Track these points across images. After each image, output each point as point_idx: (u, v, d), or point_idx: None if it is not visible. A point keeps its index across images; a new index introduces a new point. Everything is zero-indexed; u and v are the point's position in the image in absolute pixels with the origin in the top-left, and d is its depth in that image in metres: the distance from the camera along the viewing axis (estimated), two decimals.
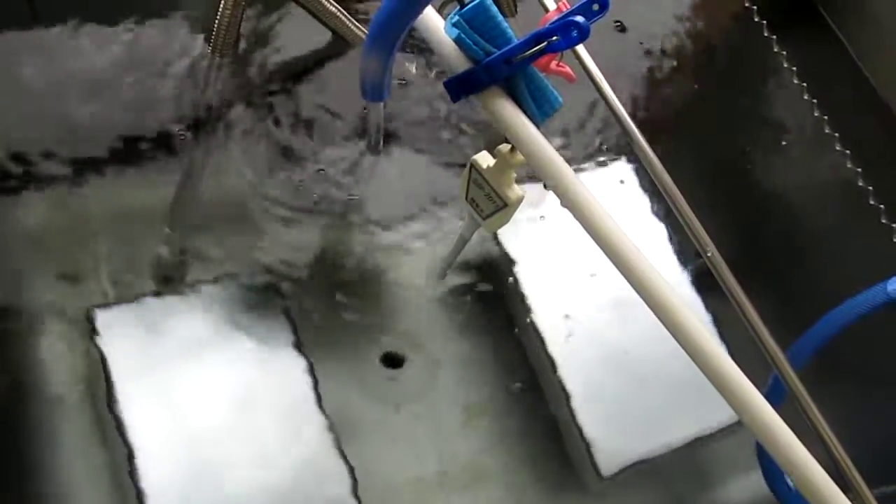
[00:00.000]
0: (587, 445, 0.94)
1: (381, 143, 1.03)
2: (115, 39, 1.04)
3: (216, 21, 1.02)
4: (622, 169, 1.11)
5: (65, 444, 0.83)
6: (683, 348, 0.56)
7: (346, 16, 1.05)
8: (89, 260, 0.92)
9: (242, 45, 1.07)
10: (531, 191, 1.02)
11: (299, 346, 0.91)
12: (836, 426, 0.75)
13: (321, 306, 0.96)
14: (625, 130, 0.73)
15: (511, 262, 1.02)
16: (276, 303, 0.94)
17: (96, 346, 0.87)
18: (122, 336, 0.87)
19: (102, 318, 0.88)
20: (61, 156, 0.96)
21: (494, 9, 0.55)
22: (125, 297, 0.90)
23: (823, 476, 0.57)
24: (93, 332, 0.87)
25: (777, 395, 0.78)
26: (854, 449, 0.75)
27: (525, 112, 0.57)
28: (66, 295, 0.89)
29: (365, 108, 1.03)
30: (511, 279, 1.02)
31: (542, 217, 1.05)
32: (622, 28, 1.21)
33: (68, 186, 0.95)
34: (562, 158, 0.56)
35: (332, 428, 0.89)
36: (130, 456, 0.82)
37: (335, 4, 1.03)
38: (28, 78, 0.99)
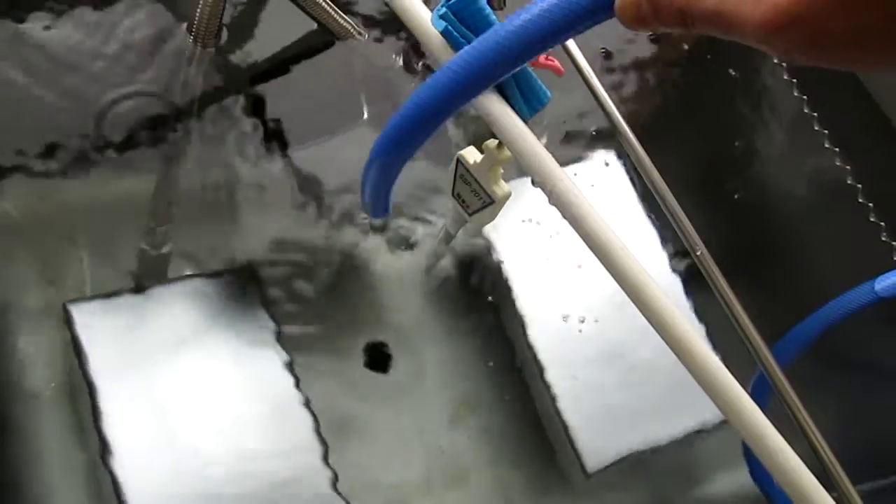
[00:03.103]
0: (573, 443, 0.93)
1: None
2: (94, 28, 1.02)
3: (198, 10, 1.00)
4: (610, 165, 1.10)
5: (41, 442, 0.82)
6: (671, 348, 0.55)
7: (331, 6, 1.04)
8: (67, 253, 0.90)
9: (225, 35, 1.05)
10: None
11: (282, 342, 0.90)
12: (821, 422, 0.74)
13: (304, 302, 0.95)
14: (613, 126, 0.72)
15: (499, 258, 1.01)
16: (258, 298, 0.93)
17: (74, 340, 0.85)
18: (100, 331, 0.85)
19: (80, 313, 0.86)
20: (39, 146, 0.94)
21: (483, 0, 0.54)
22: (104, 291, 0.88)
23: (810, 478, 0.56)
24: (70, 326, 0.85)
25: (762, 391, 0.78)
26: (839, 444, 0.75)
27: (513, 107, 0.56)
28: (43, 289, 0.88)
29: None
30: (499, 275, 1.01)
31: (531, 215, 1.04)
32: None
33: (46, 178, 0.94)
34: (550, 155, 0.55)
35: (314, 425, 0.88)
36: (108, 453, 0.81)
37: None
38: (3, 66, 0.97)
